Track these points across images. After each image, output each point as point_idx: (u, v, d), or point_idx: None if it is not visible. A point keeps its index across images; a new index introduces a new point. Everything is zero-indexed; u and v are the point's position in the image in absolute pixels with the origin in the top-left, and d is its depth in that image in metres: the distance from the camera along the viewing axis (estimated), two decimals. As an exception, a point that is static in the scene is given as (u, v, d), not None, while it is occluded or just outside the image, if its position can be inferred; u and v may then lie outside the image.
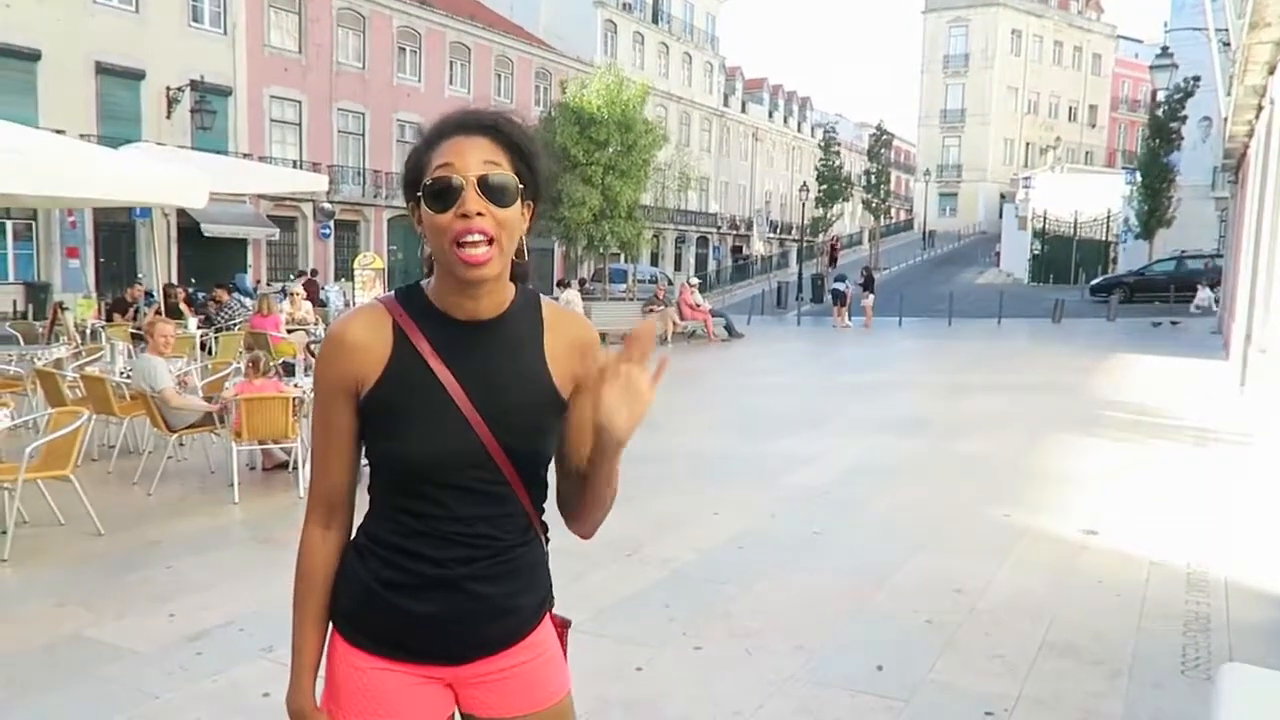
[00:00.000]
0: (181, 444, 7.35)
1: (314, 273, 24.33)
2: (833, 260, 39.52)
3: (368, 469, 1.49)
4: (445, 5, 33.34)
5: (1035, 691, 3.54)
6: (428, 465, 1.40)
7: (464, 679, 1.50)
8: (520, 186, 1.40)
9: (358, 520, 1.53)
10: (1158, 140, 32.96)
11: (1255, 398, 9.41)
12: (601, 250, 27.71)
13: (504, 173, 1.37)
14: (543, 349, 1.48)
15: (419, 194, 1.39)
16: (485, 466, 1.42)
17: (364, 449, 1.48)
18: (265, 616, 4.18)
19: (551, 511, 1.57)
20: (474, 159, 1.36)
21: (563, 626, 1.62)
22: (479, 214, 1.34)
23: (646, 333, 1.35)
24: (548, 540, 1.58)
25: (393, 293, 1.50)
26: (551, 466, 1.55)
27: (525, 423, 1.44)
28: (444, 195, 1.35)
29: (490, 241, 1.35)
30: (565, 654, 1.61)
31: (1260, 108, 11.82)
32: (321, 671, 1.51)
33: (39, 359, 8.97)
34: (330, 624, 1.52)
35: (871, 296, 24.80)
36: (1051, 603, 4.48)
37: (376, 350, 1.42)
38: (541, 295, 1.54)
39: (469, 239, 1.34)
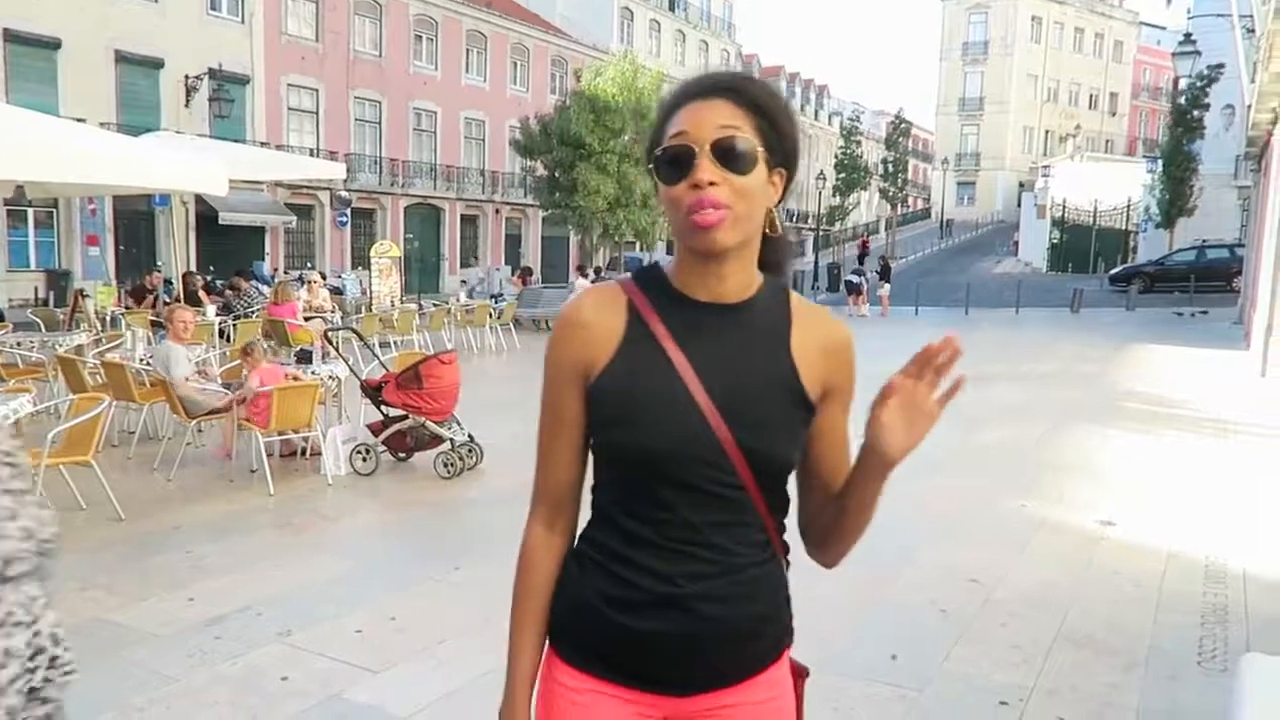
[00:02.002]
0: (200, 430, 7.41)
1: None
2: (863, 256, 39.25)
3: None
4: (461, -7, 33.31)
5: (1051, 682, 3.53)
6: (655, 457, 1.26)
7: (687, 713, 1.33)
8: (763, 151, 1.25)
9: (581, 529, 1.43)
10: (1181, 128, 32.59)
11: (1276, 388, 9.32)
12: (616, 239, 27.69)
13: (742, 136, 1.22)
14: (789, 343, 1.31)
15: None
16: (719, 465, 1.26)
17: (591, 443, 1.36)
18: (283, 601, 4.22)
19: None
20: (709, 124, 1.23)
21: (800, 675, 1.44)
22: (712, 183, 1.20)
23: (947, 348, 1.20)
24: (789, 564, 1.39)
25: (629, 274, 1.40)
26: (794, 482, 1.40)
27: (766, 418, 1.27)
28: (676, 164, 1.23)
29: (724, 208, 1.22)
30: (800, 709, 1.43)
31: (1285, 95, 11.67)
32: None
33: (60, 345, 9.06)
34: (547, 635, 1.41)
35: (888, 285, 24.69)
36: (1068, 594, 4.46)
37: (609, 331, 1.30)
38: (791, 290, 1.37)
39: (702, 212, 1.21)
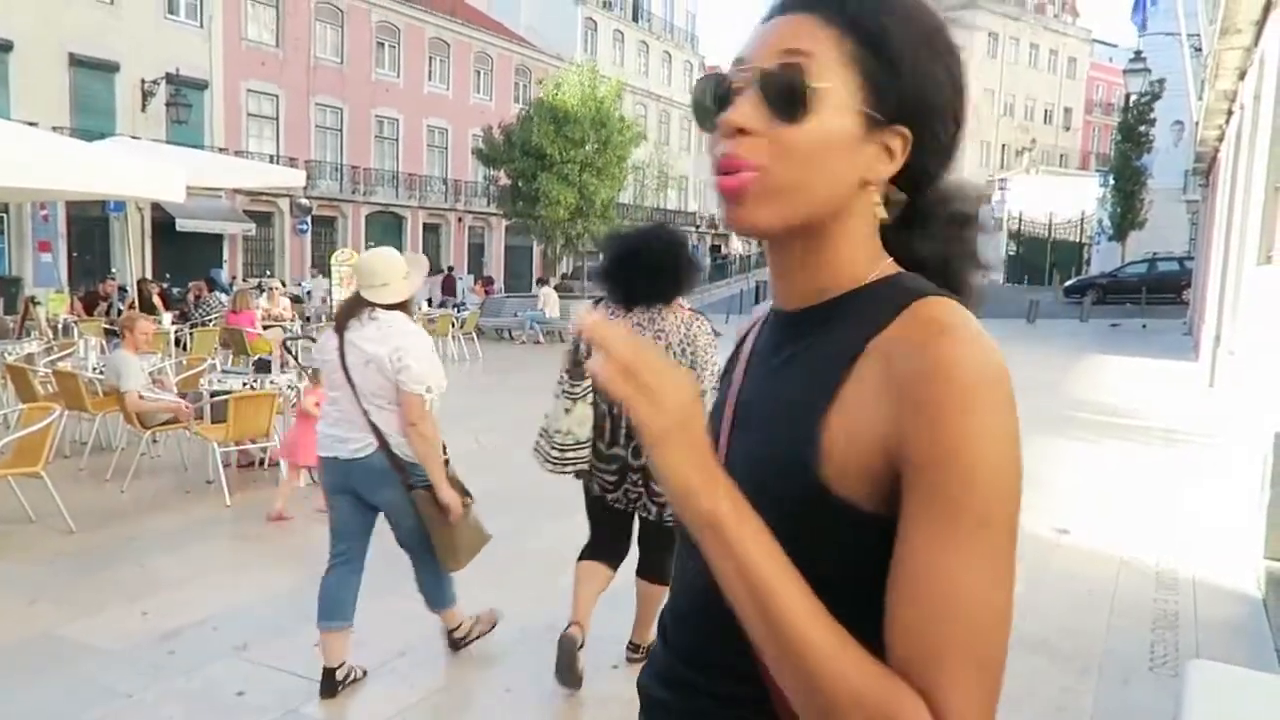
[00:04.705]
0: (155, 440, 7.28)
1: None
2: None
3: None
4: (425, 0, 33.19)
5: (1007, 687, 3.54)
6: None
7: None
8: (843, 91, 0.83)
9: None
10: (1128, 144, 33.38)
11: (1224, 398, 9.55)
12: (579, 248, 27.72)
13: (802, 64, 0.83)
14: (839, 381, 0.82)
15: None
16: None
17: None
18: (239, 615, 4.15)
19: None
20: (770, 47, 0.85)
21: None
22: (741, 130, 0.83)
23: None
24: None
25: None
26: None
27: (753, 490, 0.80)
28: (707, 103, 0.88)
29: (747, 170, 0.84)
30: None
31: (1230, 112, 11.99)
32: None
33: (10, 354, 8.85)
34: None
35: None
36: (1024, 600, 4.49)
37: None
38: (927, 298, 0.84)
39: (721, 174, 0.85)
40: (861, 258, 0.89)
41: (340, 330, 3.42)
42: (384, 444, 3.38)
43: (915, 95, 0.85)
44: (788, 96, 0.82)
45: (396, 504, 3.47)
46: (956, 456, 0.75)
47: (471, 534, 3.58)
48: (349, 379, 3.37)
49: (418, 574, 3.70)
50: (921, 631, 0.75)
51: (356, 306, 3.44)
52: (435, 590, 3.73)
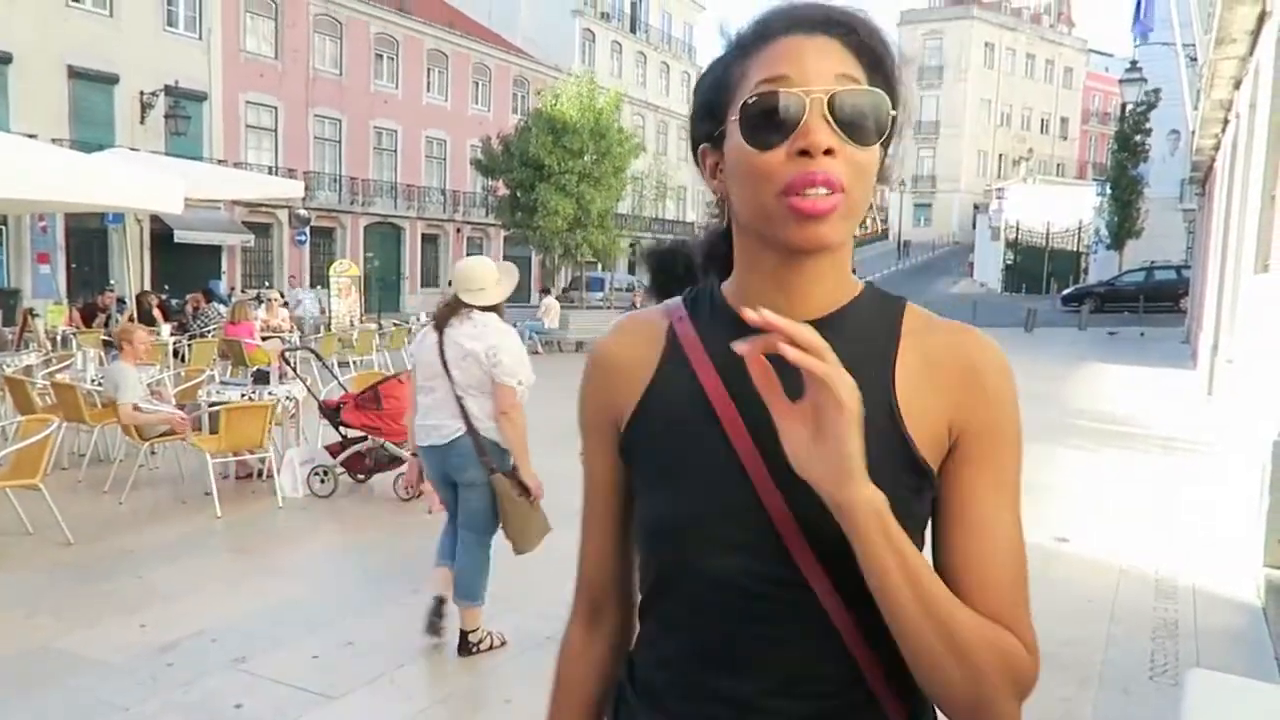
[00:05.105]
0: (154, 452, 7.27)
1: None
2: None
3: None
4: (423, 12, 33.32)
5: (1007, 697, 3.56)
6: (677, 534, 0.92)
7: None
8: (891, 116, 0.88)
9: None
10: (1124, 153, 33.47)
11: (1222, 407, 9.55)
12: (578, 258, 27.77)
13: (869, 93, 0.86)
14: (892, 371, 0.91)
15: (722, 127, 0.91)
16: (761, 548, 0.87)
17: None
18: (238, 627, 4.15)
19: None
20: (822, 68, 0.85)
21: None
22: (828, 151, 0.83)
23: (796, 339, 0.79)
24: None
25: (682, 295, 1.03)
26: None
27: None
28: (773, 120, 0.84)
29: (839, 191, 0.84)
30: None
31: (1226, 121, 12.03)
32: None
33: (8, 366, 8.85)
34: None
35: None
36: (1023, 610, 4.52)
37: (639, 367, 0.98)
38: (908, 301, 0.98)
39: (810, 191, 0.83)
40: (849, 271, 0.96)
41: (440, 328, 3.86)
42: (471, 428, 3.76)
43: (894, 126, 0.90)
44: (872, 121, 0.86)
45: (476, 483, 3.82)
46: (1010, 434, 0.93)
47: (541, 520, 3.91)
48: (447, 371, 3.78)
49: (460, 561, 3.89)
50: (1008, 585, 0.89)
51: (455, 307, 3.86)
52: (472, 581, 3.90)
